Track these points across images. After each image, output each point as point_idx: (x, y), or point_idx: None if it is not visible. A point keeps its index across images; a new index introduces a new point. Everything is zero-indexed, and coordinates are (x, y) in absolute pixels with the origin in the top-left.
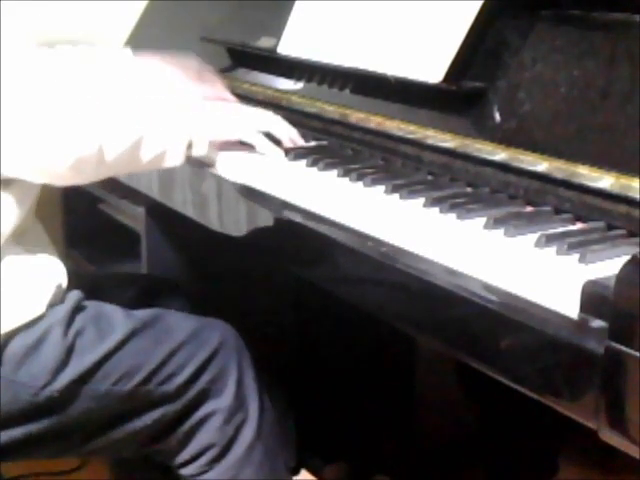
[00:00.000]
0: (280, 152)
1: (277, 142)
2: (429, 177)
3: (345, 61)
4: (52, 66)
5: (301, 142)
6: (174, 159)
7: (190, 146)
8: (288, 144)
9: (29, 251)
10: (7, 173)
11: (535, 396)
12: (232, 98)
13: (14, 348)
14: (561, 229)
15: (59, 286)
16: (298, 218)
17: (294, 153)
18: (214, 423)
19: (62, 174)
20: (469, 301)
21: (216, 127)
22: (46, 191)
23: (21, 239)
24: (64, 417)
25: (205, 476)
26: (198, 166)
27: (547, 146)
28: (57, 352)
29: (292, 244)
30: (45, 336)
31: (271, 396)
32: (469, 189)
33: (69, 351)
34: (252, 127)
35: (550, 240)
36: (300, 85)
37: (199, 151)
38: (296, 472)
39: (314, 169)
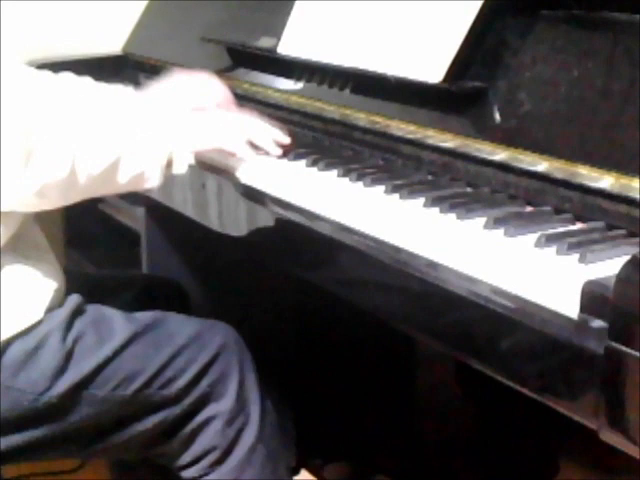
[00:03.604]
0: (271, 158)
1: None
2: (429, 177)
3: (345, 61)
4: (22, 85)
5: (285, 141)
6: (152, 180)
7: (170, 164)
8: (272, 149)
9: (26, 256)
10: None
11: (535, 396)
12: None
13: (13, 354)
14: (561, 229)
15: (57, 290)
16: (298, 218)
17: (294, 153)
18: (215, 426)
19: (26, 201)
20: (469, 301)
21: (196, 139)
22: None
23: (18, 245)
24: (64, 423)
25: (206, 479)
26: (198, 166)
27: (547, 146)
28: (56, 357)
29: (292, 244)
30: (44, 341)
31: (271, 397)
32: (469, 189)
33: (68, 356)
34: (232, 136)
35: (550, 240)
36: (300, 85)
37: (179, 169)
38: (296, 472)
39: (314, 169)
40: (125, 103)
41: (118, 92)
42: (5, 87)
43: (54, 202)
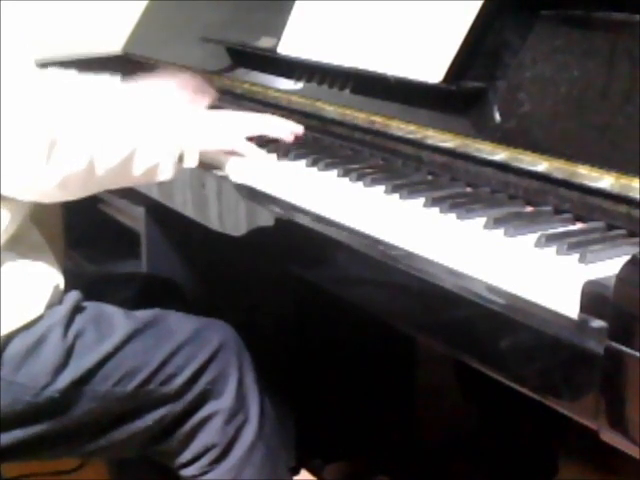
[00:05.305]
0: (272, 158)
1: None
2: (429, 177)
3: (345, 61)
4: (42, 83)
5: (300, 131)
6: (166, 172)
7: (181, 158)
8: (288, 138)
9: (24, 255)
10: None
11: (535, 396)
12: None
13: (14, 349)
14: (561, 229)
15: (56, 287)
16: (298, 218)
17: (294, 153)
18: (215, 424)
19: (48, 192)
20: (469, 301)
21: (207, 138)
22: None
23: (16, 244)
24: (65, 418)
25: (206, 477)
26: (198, 166)
27: (547, 146)
28: (57, 353)
29: (292, 244)
30: (45, 337)
31: (271, 396)
32: (469, 189)
33: (69, 352)
34: (243, 135)
35: (550, 240)
36: (300, 85)
37: (190, 163)
38: (296, 472)
39: (314, 169)
40: (137, 101)
41: (115, 85)
42: (26, 85)
43: (75, 193)
